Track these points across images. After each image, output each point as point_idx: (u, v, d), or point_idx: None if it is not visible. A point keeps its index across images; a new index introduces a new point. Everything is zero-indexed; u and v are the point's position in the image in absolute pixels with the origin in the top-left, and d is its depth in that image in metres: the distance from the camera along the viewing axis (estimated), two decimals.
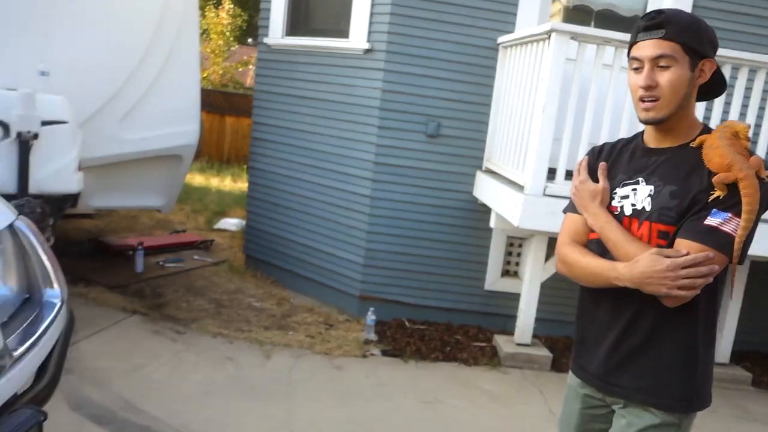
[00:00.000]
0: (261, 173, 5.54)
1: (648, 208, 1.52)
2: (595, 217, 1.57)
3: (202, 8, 16.52)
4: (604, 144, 1.73)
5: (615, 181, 1.61)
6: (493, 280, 4.80)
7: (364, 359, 4.12)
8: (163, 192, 5.29)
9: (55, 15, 4.20)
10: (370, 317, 4.42)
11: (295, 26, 5.28)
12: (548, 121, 3.68)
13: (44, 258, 1.58)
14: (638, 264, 1.43)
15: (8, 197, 3.73)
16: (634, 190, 1.56)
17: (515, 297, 4.42)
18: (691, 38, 1.48)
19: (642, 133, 1.64)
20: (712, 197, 1.44)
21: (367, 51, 4.64)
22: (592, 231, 1.60)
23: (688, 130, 1.55)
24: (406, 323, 4.70)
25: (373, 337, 4.41)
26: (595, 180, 1.63)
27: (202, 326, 4.34)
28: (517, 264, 4.93)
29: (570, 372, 1.77)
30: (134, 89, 4.70)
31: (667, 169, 1.53)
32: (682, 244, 1.43)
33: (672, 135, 1.55)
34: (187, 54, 5.08)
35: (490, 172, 4.48)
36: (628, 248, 1.48)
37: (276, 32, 5.31)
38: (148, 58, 4.77)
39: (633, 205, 1.55)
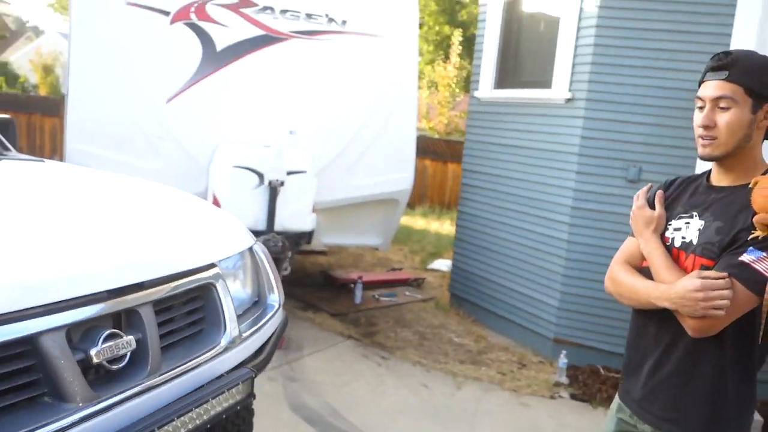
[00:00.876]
0: (468, 217, 5.95)
1: (695, 242, 1.56)
2: (646, 242, 1.63)
3: (431, 62, 17.79)
4: (678, 177, 1.75)
5: (673, 213, 1.66)
6: None
7: (551, 400, 4.20)
8: (381, 232, 5.97)
9: (297, 83, 5.14)
10: (562, 360, 4.48)
11: (502, 79, 5.67)
12: None
13: (270, 272, 2.13)
14: (677, 285, 1.48)
15: (258, 233, 4.67)
16: (687, 223, 1.60)
17: None
18: (755, 81, 1.51)
19: (710, 170, 1.66)
20: (751, 236, 1.45)
21: (568, 100, 4.82)
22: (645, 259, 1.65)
23: (749, 170, 1.55)
24: (601, 370, 4.64)
25: (564, 380, 4.45)
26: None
27: (405, 354, 4.80)
28: None
29: (617, 395, 1.81)
30: (360, 142, 5.46)
31: (721, 206, 1.56)
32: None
33: (733, 174, 1.58)
34: (405, 109, 5.74)
35: None
36: (665, 274, 1.54)
37: (486, 86, 5.75)
38: (373, 115, 5.52)
39: (683, 237, 1.59)
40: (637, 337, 1.71)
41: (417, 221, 11.28)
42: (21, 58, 21.74)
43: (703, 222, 1.57)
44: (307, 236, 5.31)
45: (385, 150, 5.57)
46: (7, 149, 2.53)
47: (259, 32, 5.07)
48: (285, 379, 4.18)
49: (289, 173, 4.77)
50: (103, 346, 1.36)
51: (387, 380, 4.33)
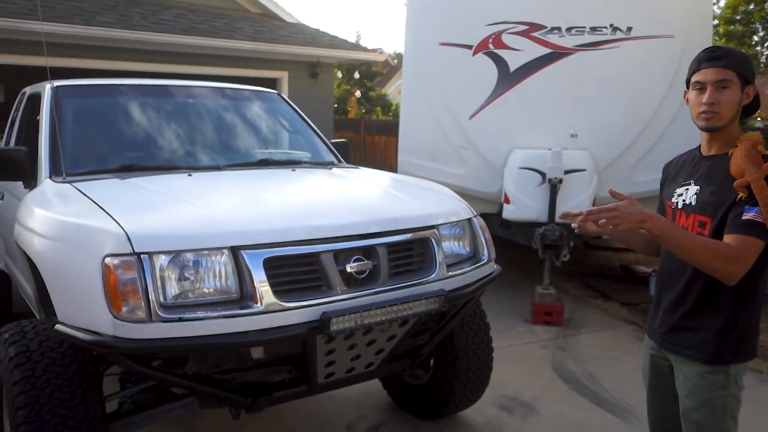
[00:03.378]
0: None
1: (693, 204, 1.94)
2: (656, 221, 1.81)
3: None
4: (675, 157, 2.13)
5: (677, 182, 2.02)
6: None
7: None
8: None
9: (581, 92, 5.71)
10: None
11: None
12: None
13: (483, 238, 2.97)
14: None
15: (541, 224, 5.43)
16: (687, 189, 1.97)
17: None
18: (743, 68, 1.93)
19: (699, 146, 2.01)
20: (738, 197, 1.81)
21: None
22: None
23: (731, 140, 1.90)
24: None
25: None
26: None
27: None
28: None
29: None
30: (646, 140, 5.73)
31: (711, 173, 1.92)
32: (729, 238, 1.82)
33: (718, 144, 1.94)
34: None
35: None
36: (690, 244, 1.88)
37: None
38: (659, 114, 5.72)
39: (684, 201, 1.97)
40: (658, 283, 2.15)
41: None
42: (395, 90, 26.23)
43: (698, 187, 1.97)
44: None
45: (672, 145, 5.66)
46: (340, 161, 3.95)
47: (546, 51, 5.82)
48: (556, 348, 4.86)
49: (567, 172, 5.40)
50: (353, 264, 2.42)
51: None
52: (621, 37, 5.76)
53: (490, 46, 5.97)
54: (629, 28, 5.74)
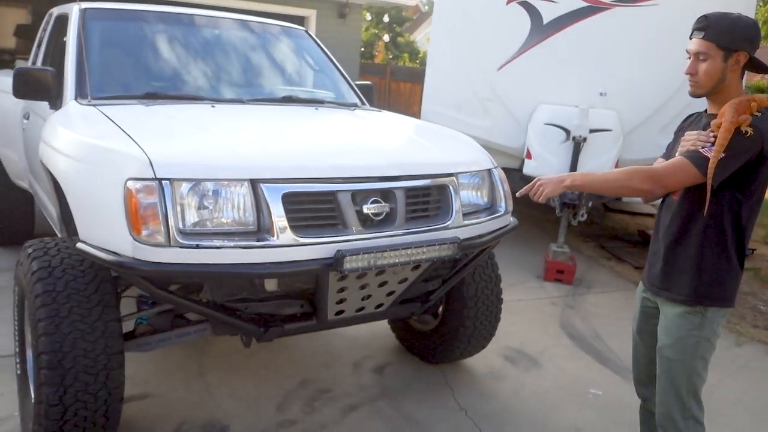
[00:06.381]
0: None
1: None
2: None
3: None
4: (693, 113, 2.19)
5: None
6: None
7: None
8: None
9: (614, 50, 5.55)
10: None
11: None
12: None
13: (501, 188, 2.96)
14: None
15: None
16: None
17: None
18: (725, 38, 1.96)
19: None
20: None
21: None
22: None
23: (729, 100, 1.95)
24: None
25: None
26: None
27: None
28: None
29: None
30: (675, 105, 5.55)
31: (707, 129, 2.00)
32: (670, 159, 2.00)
33: (717, 104, 2.01)
34: None
35: None
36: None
37: None
38: None
39: None
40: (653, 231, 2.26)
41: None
42: (423, 37, 25.71)
43: None
44: None
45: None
46: (364, 103, 3.92)
47: (583, 4, 5.64)
48: (565, 306, 4.90)
49: (592, 131, 5.31)
50: (371, 205, 2.44)
51: None
52: None
53: None
54: None
